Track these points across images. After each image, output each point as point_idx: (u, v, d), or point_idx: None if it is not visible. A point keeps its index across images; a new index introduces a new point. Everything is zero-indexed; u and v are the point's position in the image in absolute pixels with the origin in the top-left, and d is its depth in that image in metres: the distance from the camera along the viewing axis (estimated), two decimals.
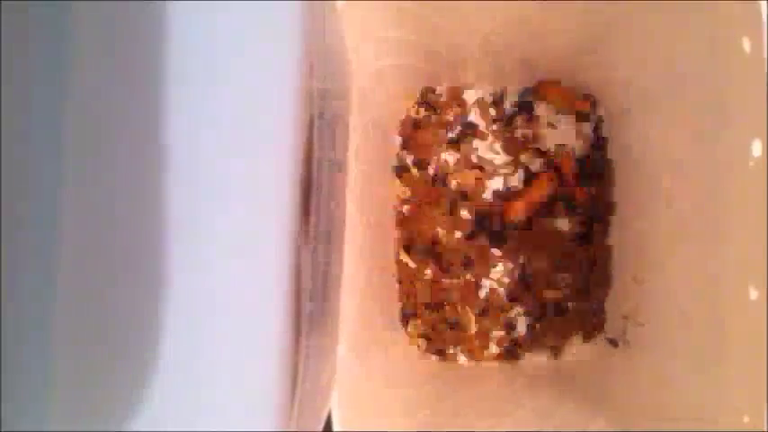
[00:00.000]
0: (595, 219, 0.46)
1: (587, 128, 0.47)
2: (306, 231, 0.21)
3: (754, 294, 0.30)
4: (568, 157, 0.46)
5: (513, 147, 0.47)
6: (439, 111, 0.48)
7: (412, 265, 0.47)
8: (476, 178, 0.47)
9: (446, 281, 0.47)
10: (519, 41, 0.42)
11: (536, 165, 0.47)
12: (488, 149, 0.48)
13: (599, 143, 0.47)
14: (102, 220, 0.19)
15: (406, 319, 0.47)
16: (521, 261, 0.47)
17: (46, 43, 0.18)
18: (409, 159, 0.47)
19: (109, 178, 0.19)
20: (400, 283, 0.47)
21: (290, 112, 0.20)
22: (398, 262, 0.47)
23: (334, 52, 0.28)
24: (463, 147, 0.47)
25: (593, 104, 0.46)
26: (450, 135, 0.48)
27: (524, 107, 0.48)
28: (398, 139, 0.48)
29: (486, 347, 0.46)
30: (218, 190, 0.19)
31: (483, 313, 0.47)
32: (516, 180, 0.47)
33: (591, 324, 0.45)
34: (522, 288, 0.47)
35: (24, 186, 0.18)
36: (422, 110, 0.48)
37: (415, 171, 0.47)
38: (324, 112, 0.24)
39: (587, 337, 0.45)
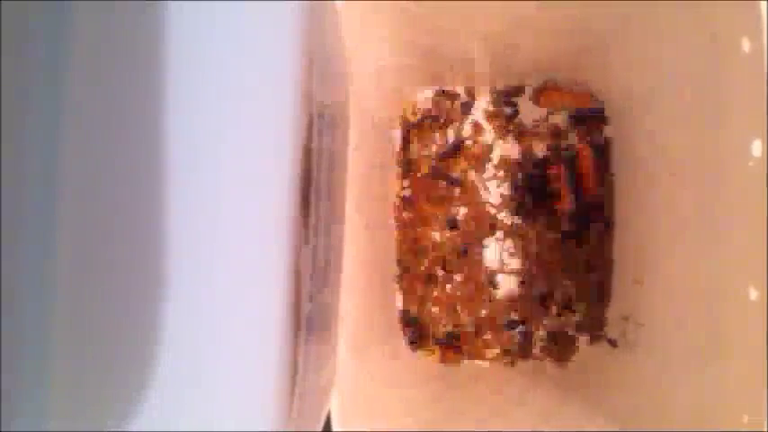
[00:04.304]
0: (596, 219, 0.46)
1: (588, 127, 0.47)
2: (305, 231, 0.21)
3: (754, 294, 0.30)
4: (587, 157, 0.46)
5: (513, 146, 0.47)
6: (439, 110, 0.48)
7: (412, 265, 0.47)
8: (476, 177, 0.47)
9: (448, 283, 0.47)
10: (519, 41, 0.42)
11: (578, 148, 0.47)
12: (488, 148, 0.48)
13: (600, 143, 0.47)
14: (101, 219, 0.19)
15: (409, 327, 0.47)
16: (523, 264, 0.47)
17: (46, 43, 0.18)
18: (409, 159, 0.47)
19: (108, 177, 0.19)
20: (401, 285, 0.47)
21: (289, 113, 0.20)
22: (399, 262, 0.47)
23: (333, 52, 0.28)
24: (464, 146, 0.47)
25: (594, 104, 0.46)
26: (451, 135, 0.48)
27: (525, 107, 0.47)
28: (399, 139, 0.48)
29: (488, 349, 0.46)
30: (217, 190, 0.19)
31: (485, 315, 0.47)
32: (517, 179, 0.47)
33: (591, 326, 0.45)
34: (525, 290, 0.47)
35: (24, 187, 0.18)
36: (422, 109, 0.48)
37: (415, 170, 0.47)
38: (323, 112, 0.24)
39: (587, 339, 0.45)
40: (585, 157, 0.46)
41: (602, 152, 0.46)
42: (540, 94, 0.47)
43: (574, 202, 0.46)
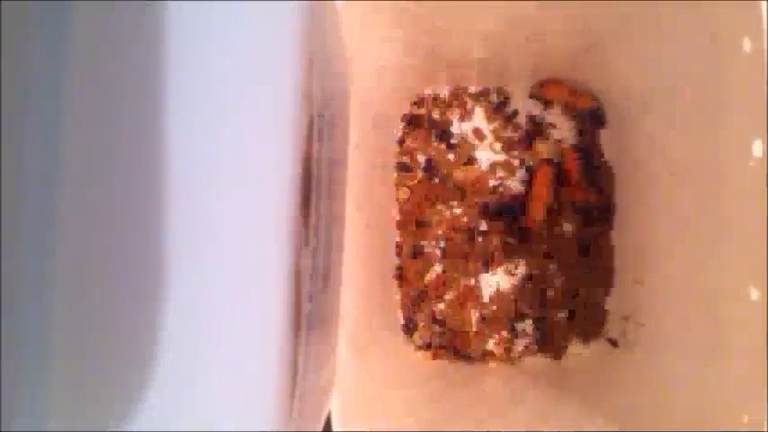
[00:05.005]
0: (596, 219, 0.46)
1: (588, 127, 0.47)
2: (305, 232, 0.21)
3: (754, 294, 0.30)
4: (572, 156, 0.46)
5: (514, 146, 0.47)
6: (439, 110, 0.48)
7: (412, 266, 0.47)
8: (476, 177, 0.47)
9: (448, 282, 0.47)
10: (519, 41, 0.42)
11: (536, 163, 0.47)
12: (489, 148, 0.48)
13: (599, 143, 0.47)
14: (101, 219, 0.19)
15: (408, 327, 0.47)
16: (523, 263, 0.47)
17: (46, 43, 0.18)
18: (409, 158, 0.47)
19: (108, 178, 0.19)
20: (400, 285, 0.47)
21: (289, 113, 0.20)
22: (399, 262, 0.47)
23: (333, 52, 0.28)
24: (463, 146, 0.47)
25: (594, 104, 0.46)
26: (451, 134, 0.48)
27: (524, 106, 0.48)
28: (398, 139, 0.48)
29: (488, 348, 0.46)
30: (217, 190, 0.19)
31: (485, 314, 0.47)
32: (518, 179, 0.47)
33: (591, 326, 0.45)
34: (525, 289, 0.47)
35: (24, 187, 0.18)
36: (421, 110, 0.48)
37: (415, 170, 0.47)
38: (323, 112, 0.24)
39: (587, 339, 0.45)
40: (571, 157, 0.46)
41: (600, 152, 0.46)
42: (540, 88, 0.47)
43: (544, 210, 0.46)
